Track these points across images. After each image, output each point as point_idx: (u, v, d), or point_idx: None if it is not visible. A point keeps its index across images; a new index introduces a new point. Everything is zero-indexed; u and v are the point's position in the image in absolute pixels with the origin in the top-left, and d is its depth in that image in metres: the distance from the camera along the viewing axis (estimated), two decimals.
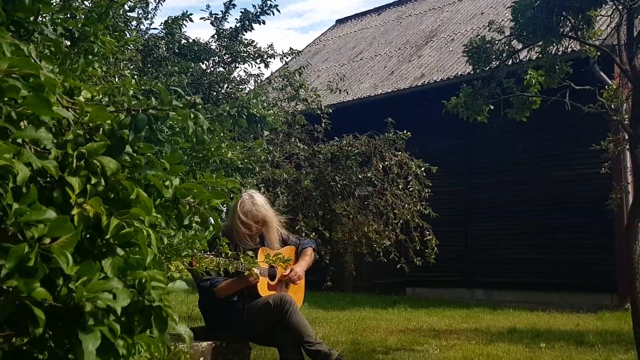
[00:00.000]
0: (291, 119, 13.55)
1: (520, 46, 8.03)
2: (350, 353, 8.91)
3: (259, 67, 15.71)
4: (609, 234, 16.03)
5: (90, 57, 4.00)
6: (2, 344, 1.99)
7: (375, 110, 17.89)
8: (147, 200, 2.17)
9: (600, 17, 7.92)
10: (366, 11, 31.35)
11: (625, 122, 7.77)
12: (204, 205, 2.56)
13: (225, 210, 7.27)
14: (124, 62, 8.63)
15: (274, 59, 13.92)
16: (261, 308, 6.36)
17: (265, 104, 9.38)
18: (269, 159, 12.16)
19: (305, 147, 13.48)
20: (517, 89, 8.31)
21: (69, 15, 4.03)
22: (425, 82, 20.17)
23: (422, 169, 13.39)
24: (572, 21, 7.31)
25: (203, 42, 13.51)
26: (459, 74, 19.01)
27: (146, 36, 13.27)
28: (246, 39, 13.68)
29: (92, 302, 1.87)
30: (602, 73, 12.29)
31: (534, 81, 8.04)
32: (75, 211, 2.00)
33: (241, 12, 13.46)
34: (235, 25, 13.63)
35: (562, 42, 7.90)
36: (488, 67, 8.23)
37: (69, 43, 3.85)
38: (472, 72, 8.93)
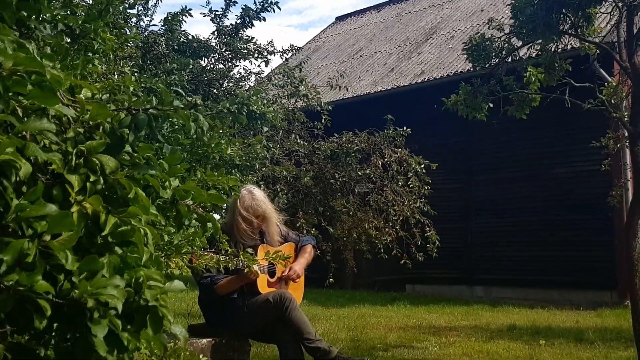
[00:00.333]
0: (291, 116, 13.55)
1: (519, 43, 8.03)
2: (350, 350, 8.92)
3: (259, 65, 15.74)
4: (608, 231, 16.04)
5: (90, 54, 4.00)
6: (1, 341, 2.00)
7: (375, 107, 17.89)
8: (144, 199, 2.17)
9: (600, 14, 7.92)
10: (366, 8, 31.36)
11: (625, 119, 7.77)
12: (204, 207, 2.57)
13: (224, 207, 7.26)
14: (124, 59, 8.63)
15: (274, 55, 13.89)
16: (261, 305, 6.37)
17: (265, 101, 9.38)
18: (269, 156, 12.15)
19: (305, 144, 13.47)
20: (517, 87, 8.31)
21: (69, 12, 4.03)
22: (425, 79, 20.18)
23: (422, 166, 13.38)
24: (572, 18, 7.31)
25: (203, 39, 13.51)
26: (459, 71, 19.02)
27: (146, 33, 13.28)
28: (247, 36, 13.69)
29: (94, 298, 1.88)
30: (601, 70, 12.31)
31: (533, 78, 8.04)
32: (74, 209, 2.01)
33: (242, 8, 13.47)
34: (236, 22, 13.63)
35: (562, 40, 7.91)
36: (488, 65, 8.23)
37: (69, 40, 3.85)
38: (471, 69, 8.95)
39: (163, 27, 13.08)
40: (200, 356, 5.26)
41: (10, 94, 1.98)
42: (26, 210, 1.86)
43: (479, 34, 8.28)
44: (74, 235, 1.91)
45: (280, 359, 6.47)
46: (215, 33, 13.74)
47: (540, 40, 7.67)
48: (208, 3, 13.90)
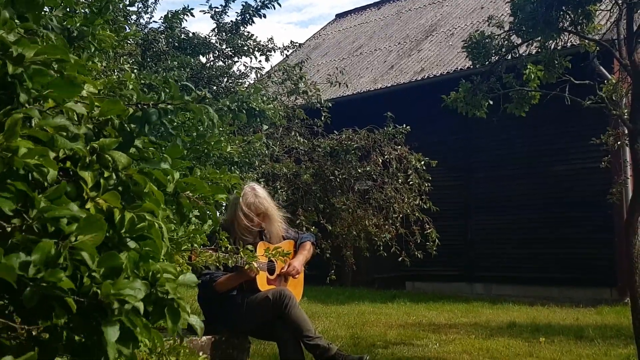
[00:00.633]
0: (291, 113, 13.54)
1: (519, 41, 8.03)
2: (350, 347, 8.92)
3: (259, 61, 15.72)
4: (608, 229, 16.04)
5: (89, 52, 3.99)
6: (15, 334, 2.01)
7: (375, 105, 17.87)
8: (157, 194, 2.19)
9: (599, 11, 7.92)
10: (366, 5, 31.32)
11: (625, 116, 7.78)
12: (205, 199, 2.58)
13: (224, 205, 7.26)
14: (124, 56, 8.63)
15: (274, 52, 13.88)
16: (260, 302, 6.37)
17: (264, 98, 9.37)
18: (268, 153, 12.15)
19: (305, 141, 13.46)
20: (517, 84, 8.31)
21: (68, 11, 4.03)
22: (425, 77, 20.17)
23: (422, 163, 13.37)
24: (572, 16, 7.31)
25: (203, 36, 13.50)
26: (459, 68, 19.01)
27: (146, 30, 13.26)
28: (247, 32, 13.68)
29: (117, 299, 1.91)
30: (601, 67, 12.31)
31: (533, 76, 8.04)
32: (89, 205, 2.04)
33: (242, 5, 13.46)
34: (236, 19, 13.63)
35: (562, 37, 7.90)
36: (487, 62, 8.23)
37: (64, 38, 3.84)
38: (471, 67, 8.93)
39: (163, 25, 13.07)
40: (200, 353, 5.26)
41: (29, 82, 2.01)
42: (50, 211, 1.88)
43: (478, 32, 8.27)
44: (100, 234, 1.94)
45: (279, 357, 6.48)
46: (215, 30, 13.73)
47: (540, 38, 7.66)
48: (208, 0, 13.88)
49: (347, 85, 17.09)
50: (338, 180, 13.00)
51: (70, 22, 3.82)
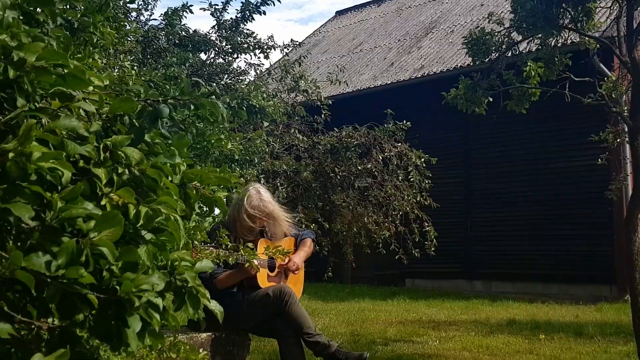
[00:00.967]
0: (291, 110, 13.54)
1: (519, 38, 8.03)
2: (350, 344, 8.93)
3: (258, 58, 15.74)
4: (608, 226, 16.05)
5: (90, 48, 4.00)
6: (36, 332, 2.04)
7: (375, 102, 17.87)
8: (171, 187, 2.23)
9: (599, 8, 7.92)
10: (366, 2, 31.28)
11: (625, 113, 7.77)
12: (210, 191, 2.60)
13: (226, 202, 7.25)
14: (124, 53, 8.63)
15: (274, 50, 13.89)
16: (261, 299, 6.37)
17: (264, 95, 9.38)
18: (268, 150, 12.15)
19: (305, 139, 13.46)
20: (517, 81, 8.31)
21: (68, 6, 4.03)
22: (425, 74, 20.18)
23: (422, 160, 13.37)
24: (572, 13, 7.31)
25: (203, 33, 13.50)
26: (459, 65, 19.00)
27: (146, 27, 13.27)
28: (247, 30, 13.68)
29: (139, 297, 1.96)
30: (601, 65, 12.29)
31: (533, 73, 8.04)
32: (104, 201, 2.08)
33: (242, 2, 13.46)
34: (236, 16, 13.63)
35: (562, 34, 7.90)
36: (487, 59, 8.23)
37: (67, 34, 3.85)
38: (471, 63, 8.92)
39: (163, 22, 13.07)
40: (200, 350, 5.26)
41: (36, 82, 2.02)
42: (67, 211, 1.91)
43: (479, 28, 8.28)
44: (118, 230, 1.97)
45: (280, 354, 6.48)
46: (216, 27, 13.73)
47: (540, 35, 7.67)
48: None
49: (347, 83, 17.11)
50: (338, 177, 13.01)
51: (71, 13, 3.82)
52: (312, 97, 14.36)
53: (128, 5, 10.73)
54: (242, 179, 6.92)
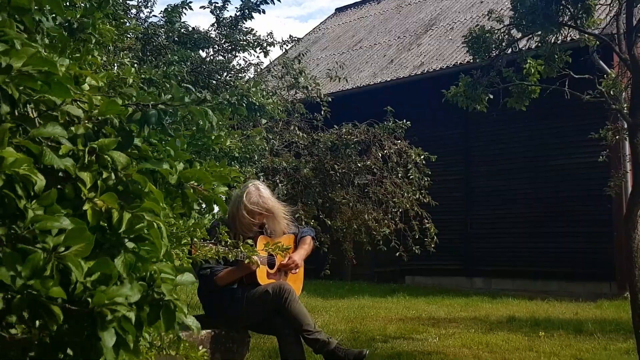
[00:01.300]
0: (290, 108, 13.55)
1: (519, 35, 8.02)
2: (349, 341, 8.93)
3: (258, 56, 15.74)
4: (608, 223, 16.06)
5: (89, 45, 4.00)
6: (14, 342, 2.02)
7: (375, 99, 17.89)
8: (157, 193, 2.19)
9: (599, 5, 7.91)
10: None
11: (625, 110, 7.77)
12: (209, 189, 2.58)
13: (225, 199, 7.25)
14: (124, 50, 8.63)
15: (274, 47, 13.90)
16: (260, 296, 6.37)
17: (264, 93, 9.38)
18: (268, 147, 12.15)
19: (305, 136, 13.47)
20: (517, 78, 8.30)
21: (68, 4, 4.03)
22: (425, 71, 20.19)
23: (422, 157, 13.38)
24: (572, 10, 7.31)
25: (203, 31, 13.50)
26: (459, 62, 19.02)
27: (146, 24, 13.27)
28: (246, 28, 13.69)
29: (110, 309, 1.91)
30: (601, 62, 12.28)
31: (533, 70, 8.03)
32: (87, 206, 2.04)
33: (242, 0, 13.47)
34: (235, 14, 13.63)
35: (562, 31, 7.90)
36: (487, 56, 8.22)
37: (66, 34, 3.85)
38: (471, 61, 8.93)
39: (163, 19, 13.07)
40: (200, 347, 5.26)
41: (21, 87, 2.00)
42: (41, 222, 1.89)
43: (478, 26, 8.27)
44: (88, 245, 1.93)
45: (279, 351, 6.48)
46: (215, 25, 13.73)
47: (539, 32, 7.66)
48: None
49: (346, 80, 17.10)
50: (338, 174, 13.02)
51: (70, 14, 3.82)
52: (312, 94, 14.36)
53: (127, 2, 10.73)
54: (241, 175, 6.93)
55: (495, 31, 8.12)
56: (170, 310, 2.08)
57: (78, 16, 3.87)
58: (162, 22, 13.14)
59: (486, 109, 8.32)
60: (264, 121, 9.82)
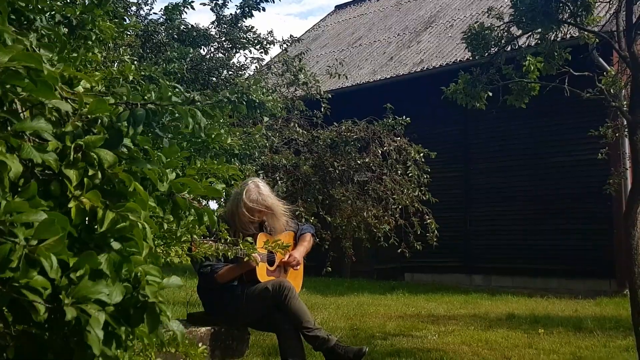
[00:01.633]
0: (290, 105, 13.55)
1: (519, 32, 8.02)
2: (349, 338, 8.94)
3: (261, 54, 15.74)
4: (607, 220, 16.06)
5: (89, 42, 4.00)
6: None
7: (374, 96, 17.86)
8: (143, 194, 2.16)
9: (599, 3, 7.91)
10: None
11: (624, 108, 7.77)
12: (201, 200, 2.57)
13: (224, 195, 7.24)
14: (123, 47, 8.63)
15: (274, 45, 13.92)
16: (260, 294, 6.38)
17: (264, 90, 9.38)
18: (268, 144, 12.15)
19: (304, 133, 13.46)
20: (516, 76, 8.30)
21: (68, 1, 4.03)
22: (424, 68, 20.18)
23: (421, 154, 13.37)
24: (571, 7, 7.30)
25: (203, 28, 13.51)
26: (458, 60, 19.01)
27: (145, 22, 13.28)
28: (246, 26, 13.70)
29: (77, 307, 1.88)
30: (600, 59, 12.31)
31: (532, 67, 8.03)
32: (72, 204, 2.01)
33: None
34: (235, 12, 13.64)
35: (561, 29, 7.89)
36: (487, 54, 8.22)
37: (66, 31, 3.85)
38: (471, 58, 8.91)
39: (163, 16, 13.08)
40: (200, 344, 5.27)
41: (8, 86, 1.98)
42: (15, 215, 1.85)
43: (478, 23, 8.27)
44: (60, 240, 1.88)
45: (279, 348, 6.49)
46: (215, 22, 13.74)
47: (539, 29, 7.66)
48: None
49: (346, 77, 17.10)
50: (337, 171, 13.00)
51: (70, 11, 3.82)
52: (312, 91, 14.37)
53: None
54: (240, 173, 6.92)
55: (495, 28, 8.12)
56: (155, 314, 2.05)
57: (77, 13, 3.87)
58: (162, 20, 13.15)
59: (485, 106, 8.32)
60: (264, 119, 9.81)
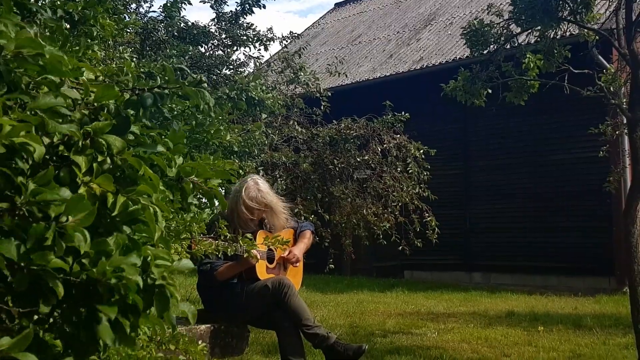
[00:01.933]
0: (290, 102, 13.54)
1: (518, 30, 8.03)
2: (349, 336, 8.94)
3: (258, 50, 15.73)
4: (607, 217, 16.07)
5: (89, 40, 4.00)
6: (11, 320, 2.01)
7: (374, 94, 17.85)
8: (154, 177, 2.16)
9: (598, 0, 7.92)
10: None
11: (624, 105, 7.77)
12: (208, 184, 2.57)
13: (224, 193, 7.24)
14: (123, 45, 8.64)
15: (273, 42, 13.92)
16: (260, 291, 6.37)
17: (264, 87, 9.38)
18: (267, 142, 12.14)
19: (304, 130, 13.45)
20: (516, 73, 8.31)
21: None
22: (424, 66, 20.18)
23: (421, 151, 13.36)
24: (571, 5, 7.31)
25: (202, 26, 13.50)
26: (458, 57, 19.00)
27: (145, 19, 13.27)
28: (246, 23, 13.70)
29: (115, 276, 1.89)
30: (600, 57, 12.29)
31: (532, 65, 8.03)
32: (82, 190, 2.01)
33: None
34: (236, 9, 13.64)
35: (561, 26, 7.89)
36: (486, 51, 8.22)
37: (68, 26, 3.85)
38: (470, 55, 8.91)
39: (162, 14, 13.07)
40: (199, 342, 5.28)
41: (21, 70, 1.99)
42: (41, 194, 1.87)
43: (477, 20, 8.27)
44: (89, 215, 1.90)
45: (279, 345, 6.49)
46: (215, 20, 13.73)
47: (539, 27, 7.66)
48: None
49: (346, 75, 17.10)
50: (337, 169, 12.99)
51: (72, 6, 3.82)
52: (311, 88, 14.36)
53: None
54: (241, 170, 6.92)
55: (495, 25, 8.13)
56: (165, 296, 2.05)
57: (79, 9, 3.87)
58: (161, 17, 13.14)
59: (484, 103, 8.32)
60: (264, 116, 9.81)
